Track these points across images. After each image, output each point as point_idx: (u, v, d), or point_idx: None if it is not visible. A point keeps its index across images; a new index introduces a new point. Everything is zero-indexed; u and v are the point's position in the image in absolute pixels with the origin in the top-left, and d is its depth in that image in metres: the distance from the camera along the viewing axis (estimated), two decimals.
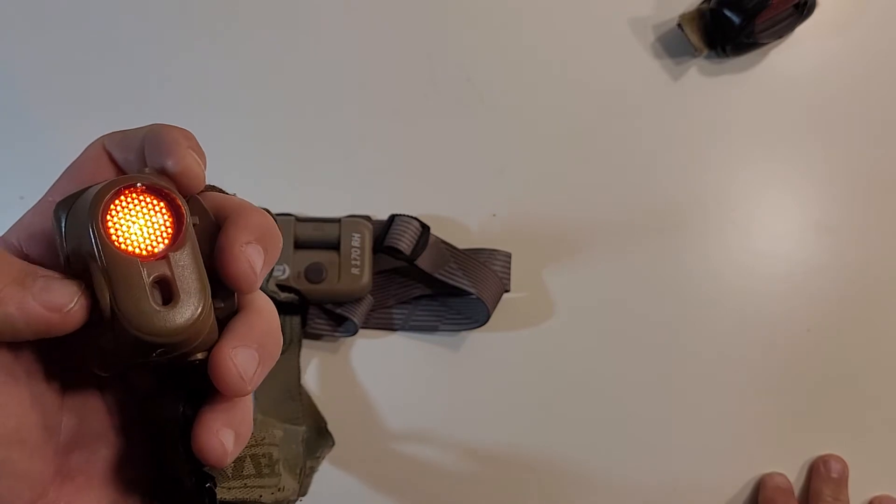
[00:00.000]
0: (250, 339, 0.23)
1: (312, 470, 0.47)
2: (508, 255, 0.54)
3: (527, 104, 0.57)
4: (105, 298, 0.21)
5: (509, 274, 0.54)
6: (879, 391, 0.56)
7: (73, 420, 0.25)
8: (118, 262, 0.21)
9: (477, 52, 0.57)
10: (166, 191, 0.22)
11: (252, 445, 0.27)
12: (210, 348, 0.22)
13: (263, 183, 0.55)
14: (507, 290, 0.53)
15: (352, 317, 0.52)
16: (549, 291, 0.55)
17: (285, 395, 0.51)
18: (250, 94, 0.56)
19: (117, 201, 0.21)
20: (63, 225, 0.22)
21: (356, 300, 0.52)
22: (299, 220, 0.52)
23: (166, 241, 0.22)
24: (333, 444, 0.52)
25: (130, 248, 0.21)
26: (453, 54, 0.57)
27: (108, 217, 0.21)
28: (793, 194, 0.57)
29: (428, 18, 0.57)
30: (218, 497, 0.25)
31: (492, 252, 0.54)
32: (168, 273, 0.21)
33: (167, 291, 0.21)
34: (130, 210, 0.22)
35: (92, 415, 0.25)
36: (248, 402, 0.24)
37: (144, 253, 0.21)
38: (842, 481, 0.53)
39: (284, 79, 0.56)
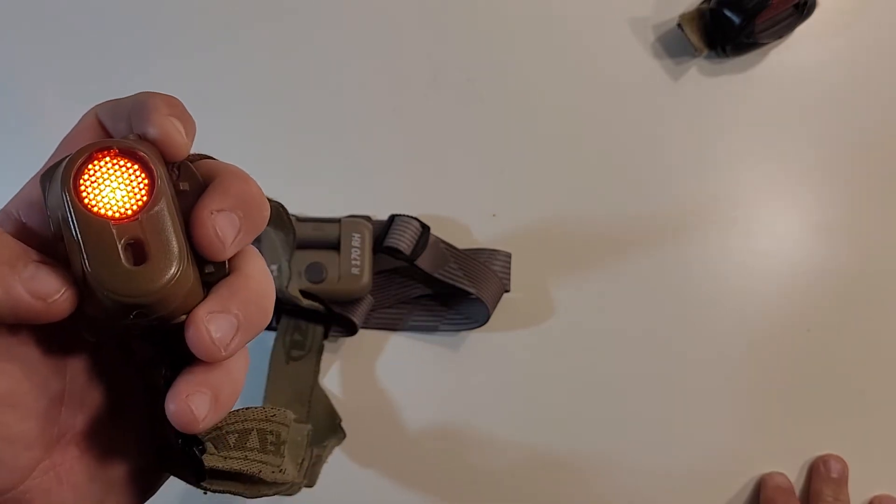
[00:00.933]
0: (230, 305, 0.23)
1: (320, 458, 0.47)
2: (508, 255, 0.54)
3: (527, 104, 0.57)
4: (77, 262, 0.21)
5: (509, 274, 0.54)
6: (880, 391, 0.56)
7: (74, 385, 0.25)
8: (89, 225, 0.21)
9: (477, 52, 0.57)
10: (140, 153, 0.22)
11: (262, 420, 0.27)
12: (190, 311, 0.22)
13: (263, 183, 0.55)
14: (507, 290, 0.53)
15: (352, 317, 0.52)
16: (549, 291, 0.55)
17: (295, 399, 0.51)
18: (250, 94, 0.56)
19: (90, 165, 0.22)
20: (46, 193, 0.22)
21: (356, 300, 0.52)
22: (299, 220, 0.52)
23: (140, 204, 0.22)
24: (344, 437, 0.52)
25: (102, 211, 0.21)
26: (453, 54, 0.57)
27: (81, 181, 0.21)
28: (793, 194, 0.57)
29: (428, 18, 0.57)
30: (212, 465, 0.25)
31: (492, 252, 0.54)
32: (140, 234, 0.21)
33: (140, 253, 0.21)
34: (103, 173, 0.22)
35: (93, 380, 0.25)
36: (232, 364, 0.24)
37: (117, 215, 0.21)
38: (842, 481, 0.53)
39: (284, 79, 0.56)
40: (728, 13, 0.54)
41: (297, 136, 0.56)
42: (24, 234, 0.23)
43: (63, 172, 0.21)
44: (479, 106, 0.56)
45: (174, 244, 0.21)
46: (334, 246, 0.51)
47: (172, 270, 0.21)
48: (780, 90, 0.57)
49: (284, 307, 0.51)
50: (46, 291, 0.21)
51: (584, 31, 0.57)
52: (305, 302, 0.49)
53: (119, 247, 0.21)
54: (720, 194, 0.56)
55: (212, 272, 0.23)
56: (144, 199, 0.22)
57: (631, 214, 0.56)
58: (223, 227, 0.22)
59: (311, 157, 0.56)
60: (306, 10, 0.57)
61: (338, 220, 0.52)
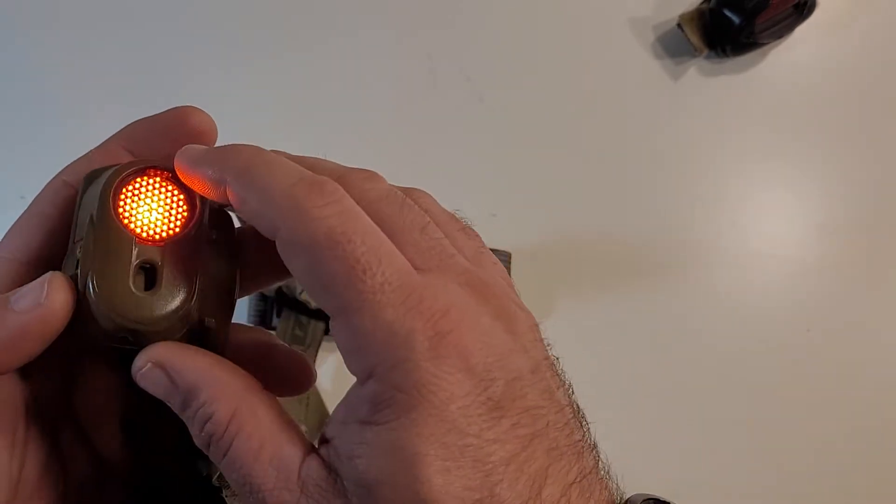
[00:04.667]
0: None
1: None
2: (508, 256, 0.54)
3: (527, 104, 0.57)
4: (86, 267, 0.20)
5: (509, 274, 0.54)
6: (879, 391, 0.56)
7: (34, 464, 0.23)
8: (113, 234, 0.20)
9: (477, 52, 0.57)
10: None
11: None
12: None
13: None
14: None
15: None
16: (549, 291, 0.55)
17: (295, 397, 0.51)
18: (250, 94, 0.56)
19: (139, 179, 0.21)
20: (85, 189, 0.22)
21: None
22: None
23: (170, 233, 0.21)
24: None
25: (131, 226, 0.21)
26: (453, 54, 0.57)
27: (124, 189, 0.21)
28: (793, 194, 0.57)
29: (428, 19, 0.57)
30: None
31: (491, 252, 0.54)
32: (158, 261, 0.21)
33: (151, 279, 0.20)
34: (148, 191, 0.21)
35: (49, 474, 0.23)
36: None
37: (144, 235, 0.21)
38: None
39: (284, 80, 0.56)
40: (728, 13, 0.54)
41: (298, 136, 0.56)
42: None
43: (110, 175, 0.21)
44: (478, 106, 0.56)
45: (186, 283, 0.21)
46: None
47: (173, 307, 0.20)
48: (780, 90, 0.57)
49: (287, 301, 0.51)
50: (34, 298, 0.20)
51: (585, 31, 0.57)
52: (314, 304, 0.50)
53: (132, 265, 0.20)
54: (720, 194, 0.56)
55: (213, 326, 0.22)
56: (177, 230, 0.21)
57: (630, 214, 0.56)
58: None
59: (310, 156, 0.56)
60: (306, 11, 0.57)
61: None
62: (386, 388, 0.18)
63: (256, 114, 0.56)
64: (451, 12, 0.57)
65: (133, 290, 0.20)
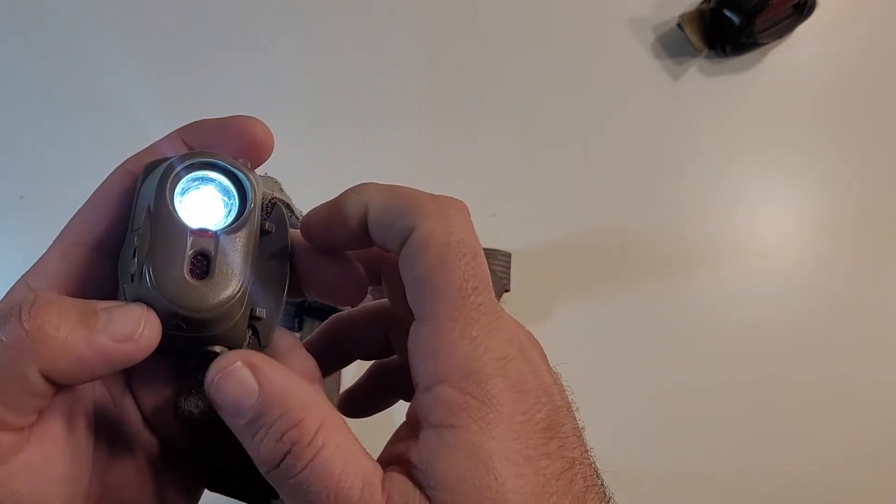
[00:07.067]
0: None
1: None
2: (508, 255, 0.54)
3: (527, 104, 0.57)
4: (142, 253, 0.21)
5: (509, 274, 0.54)
6: (879, 391, 0.56)
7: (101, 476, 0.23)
8: (168, 224, 0.21)
9: (477, 52, 0.57)
10: (243, 180, 0.22)
11: None
12: (229, 346, 0.22)
13: None
14: (506, 290, 0.53)
15: None
16: (549, 291, 0.55)
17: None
18: (251, 95, 0.56)
19: (195, 171, 0.22)
20: (143, 180, 0.22)
21: None
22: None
23: (224, 222, 0.22)
24: None
25: (187, 216, 0.22)
26: (453, 56, 0.57)
27: (180, 181, 0.22)
28: (793, 193, 0.57)
29: (428, 20, 0.57)
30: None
31: (492, 252, 0.54)
32: (212, 251, 0.21)
33: (204, 268, 0.21)
34: (203, 182, 0.22)
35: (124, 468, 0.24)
36: None
37: (197, 227, 0.22)
38: None
39: (286, 81, 0.56)
40: (728, 13, 0.54)
41: (298, 137, 0.56)
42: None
43: (167, 166, 0.22)
44: (478, 106, 0.56)
45: (237, 273, 0.21)
46: None
47: (226, 296, 0.21)
48: (780, 90, 0.57)
49: (309, 310, 0.51)
50: (129, 330, 0.20)
51: (585, 31, 0.57)
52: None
53: (187, 255, 0.21)
54: (719, 194, 0.56)
55: (262, 318, 0.23)
56: (230, 220, 0.22)
57: (629, 214, 0.56)
58: None
59: (311, 158, 0.56)
60: (307, 15, 0.57)
61: None
62: (460, 394, 0.20)
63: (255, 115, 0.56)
64: (451, 12, 0.57)
65: (187, 278, 0.21)
